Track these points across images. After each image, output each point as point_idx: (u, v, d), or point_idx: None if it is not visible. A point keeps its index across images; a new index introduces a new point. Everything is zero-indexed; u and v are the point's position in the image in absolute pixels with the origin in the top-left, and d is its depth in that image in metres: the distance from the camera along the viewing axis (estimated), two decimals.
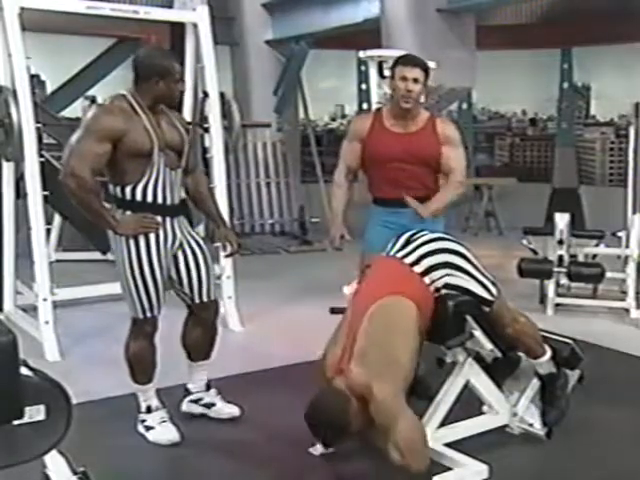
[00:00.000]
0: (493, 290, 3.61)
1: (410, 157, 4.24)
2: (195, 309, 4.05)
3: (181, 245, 3.89)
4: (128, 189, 3.69)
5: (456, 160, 4.34)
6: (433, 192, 4.31)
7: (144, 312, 3.81)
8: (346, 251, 4.56)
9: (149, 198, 3.71)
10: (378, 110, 4.55)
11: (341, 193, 4.51)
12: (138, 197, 3.70)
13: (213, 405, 4.23)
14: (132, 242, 3.69)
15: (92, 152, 3.55)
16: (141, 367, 3.93)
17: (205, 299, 4.02)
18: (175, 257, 3.88)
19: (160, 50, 4.01)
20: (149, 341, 3.91)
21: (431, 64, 7.38)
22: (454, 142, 4.35)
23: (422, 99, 4.37)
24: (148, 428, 3.94)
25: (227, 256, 4.39)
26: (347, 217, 4.50)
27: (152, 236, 3.73)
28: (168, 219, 3.80)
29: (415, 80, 4.19)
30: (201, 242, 4.01)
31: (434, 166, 4.30)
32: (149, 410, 3.97)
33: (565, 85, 14.27)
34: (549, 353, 3.83)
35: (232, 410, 4.23)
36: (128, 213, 3.71)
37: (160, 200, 3.74)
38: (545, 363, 3.83)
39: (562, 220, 6.45)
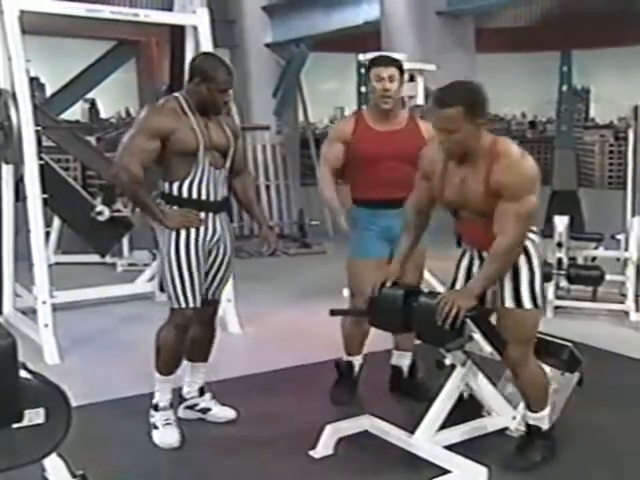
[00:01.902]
0: None
1: (398, 154, 4.24)
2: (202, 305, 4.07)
3: (218, 241, 4.00)
4: (175, 185, 3.85)
5: None
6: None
7: (179, 302, 3.87)
8: (344, 254, 4.55)
9: (194, 194, 3.86)
10: (358, 112, 4.54)
11: (330, 184, 4.43)
12: (184, 193, 3.86)
13: (209, 410, 4.25)
14: (174, 235, 3.83)
15: (142, 148, 3.74)
16: (166, 357, 3.95)
17: (210, 297, 4.09)
18: (210, 252, 3.98)
19: (214, 57, 4.04)
20: (180, 333, 3.94)
21: (430, 67, 7.47)
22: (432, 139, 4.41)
23: (400, 96, 4.44)
24: (154, 426, 3.98)
25: (269, 255, 4.58)
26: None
27: (193, 230, 3.86)
28: (210, 215, 3.94)
29: (391, 78, 4.20)
30: (233, 243, 4.13)
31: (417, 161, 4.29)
32: (156, 408, 3.99)
33: (564, 88, 14.22)
34: (547, 410, 3.70)
35: (228, 414, 4.25)
36: (175, 207, 3.87)
37: (204, 197, 3.89)
38: (536, 419, 3.70)
39: (561, 223, 6.46)
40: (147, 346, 5.02)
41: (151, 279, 7.06)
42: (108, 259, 8.31)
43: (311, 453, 3.77)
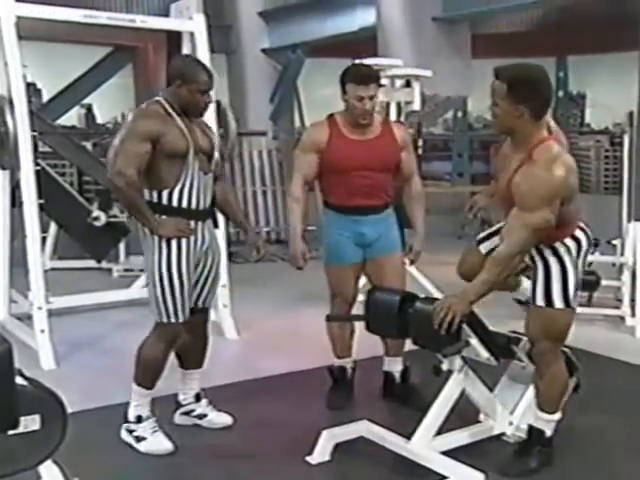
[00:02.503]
0: None
1: (373, 164, 4.23)
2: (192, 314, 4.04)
3: (207, 250, 3.97)
4: (165, 193, 3.78)
5: (413, 164, 4.49)
6: (391, 199, 4.41)
7: (168, 317, 3.82)
8: None
9: (184, 203, 3.80)
10: (331, 116, 4.38)
11: (299, 209, 4.41)
12: (174, 202, 3.79)
13: (205, 416, 4.24)
14: (165, 245, 3.77)
15: (135, 152, 3.68)
16: (150, 371, 3.91)
17: (200, 305, 4.06)
18: (198, 260, 3.94)
19: (193, 60, 4.08)
20: (167, 348, 3.92)
21: (427, 73, 7.49)
22: (410, 146, 4.46)
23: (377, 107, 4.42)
24: (139, 439, 3.90)
25: (256, 261, 4.49)
26: (304, 233, 4.52)
27: (184, 241, 3.80)
28: (200, 223, 3.89)
29: (371, 97, 4.15)
30: (217, 249, 4.09)
31: (394, 171, 4.36)
32: (139, 420, 3.92)
33: (560, 93, 14.29)
34: (557, 416, 3.70)
35: (225, 420, 4.24)
36: (164, 217, 3.78)
37: (194, 205, 3.83)
38: (544, 421, 3.70)
39: None
40: None
41: (147, 285, 7.04)
42: (104, 264, 8.31)
43: (308, 459, 3.77)
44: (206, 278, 4.02)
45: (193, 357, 4.18)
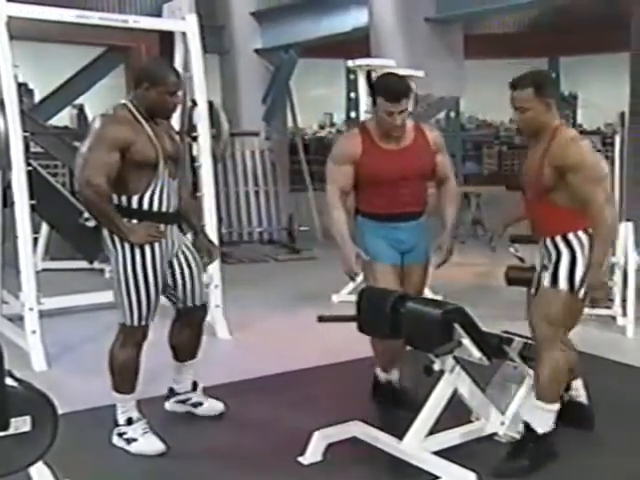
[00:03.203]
0: None
1: (410, 173, 4.14)
2: (185, 312, 4.10)
3: (177, 251, 3.97)
4: (135, 198, 3.75)
5: (448, 166, 4.40)
6: (427, 204, 4.32)
7: (139, 319, 3.82)
8: (333, 260, 4.55)
9: (155, 207, 3.78)
10: (363, 126, 4.27)
11: (341, 215, 4.20)
12: (145, 206, 3.76)
13: (200, 404, 4.31)
14: (137, 250, 3.74)
15: (104, 161, 3.61)
16: (127, 376, 3.90)
17: (197, 303, 4.10)
18: (170, 263, 3.94)
19: (159, 61, 4.08)
20: (137, 350, 3.91)
21: (419, 73, 7.50)
22: (443, 148, 4.35)
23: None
24: (130, 440, 3.90)
25: (204, 265, 4.35)
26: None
27: (156, 245, 3.79)
28: (169, 227, 3.89)
29: (402, 112, 4.02)
30: (192, 248, 4.10)
31: (429, 176, 4.30)
32: (130, 422, 3.92)
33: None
34: (554, 407, 3.70)
35: (218, 407, 4.34)
36: (134, 221, 3.76)
37: (164, 208, 3.82)
38: (540, 411, 3.70)
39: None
40: None
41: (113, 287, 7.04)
42: (96, 265, 8.28)
43: (300, 459, 3.78)
44: (189, 277, 4.02)
45: (189, 350, 4.23)
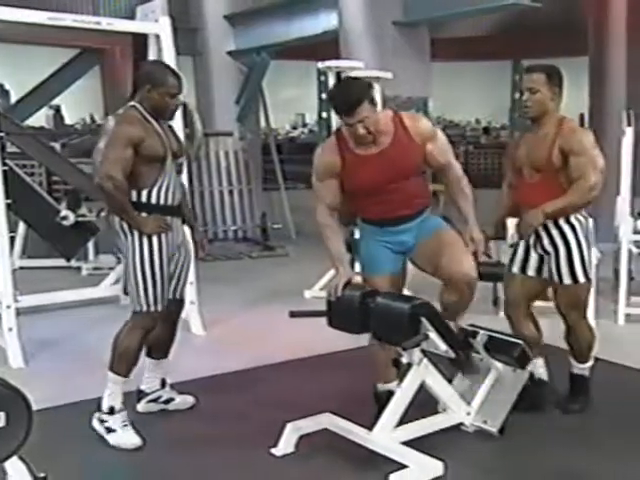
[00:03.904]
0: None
1: (393, 177, 3.86)
2: (167, 304, 4.18)
3: (180, 244, 4.17)
4: (144, 192, 3.95)
5: (445, 152, 4.00)
6: (427, 199, 4.09)
7: (148, 306, 3.97)
8: (306, 256, 4.63)
9: (162, 200, 3.99)
10: (339, 133, 3.97)
11: (334, 232, 4.00)
12: (153, 200, 3.97)
13: (172, 400, 4.41)
14: (146, 240, 3.93)
15: (121, 157, 3.82)
16: (128, 359, 4.02)
17: (178, 296, 4.26)
18: (173, 254, 4.12)
19: (161, 64, 4.23)
20: (143, 336, 4.05)
21: (387, 74, 7.60)
22: (433, 134, 3.95)
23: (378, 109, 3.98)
24: (109, 430, 3.98)
25: (199, 258, 4.65)
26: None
27: (164, 236, 3.98)
28: (174, 219, 4.09)
29: (361, 121, 3.71)
30: (188, 243, 4.29)
31: (421, 170, 4.02)
32: (112, 411, 4.00)
33: (517, 95, 14.40)
34: (590, 363, 4.43)
35: (189, 400, 4.45)
36: (143, 214, 3.94)
37: (170, 202, 4.04)
38: (584, 369, 4.42)
39: (513, 225, 6.59)
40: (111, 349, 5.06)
41: (116, 283, 7.11)
42: (73, 263, 8.34)
43: (273, 451, 3.84)
44: (181, 270, 4.20)
45: (163, 346, 4.33)
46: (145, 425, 4.12)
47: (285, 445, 3.87)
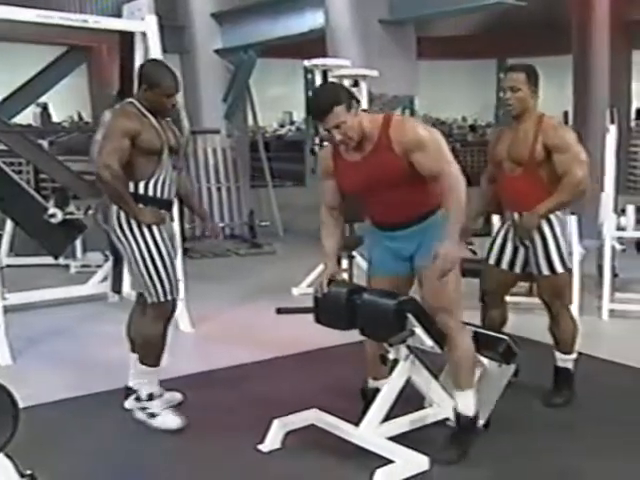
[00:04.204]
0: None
1: (375, 185, 3.70)
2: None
3: (172, 238, 4.28)
4: (141, 184, 4.06)
5: (433, 163, 3.59)
6: (427, 207, 3.77)
7: (164, 294, 4.10)
8: (293, 253, 4.66)
9: (158, 193, 4.10)
10: None
11: (329, 230, 3.96)
12: (150, 192, 4.07)
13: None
14: (148, 232, 4.04)
15: (118, 147, 3.94)
16: (152, 349, 4.15)
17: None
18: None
19: (159, 65, 4.28)
20: (165, 324, 4.17)
21: (374, 73, 7.64)
22: (421, 144, 3.59)
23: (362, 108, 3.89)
24: (152, 415, 4.16)
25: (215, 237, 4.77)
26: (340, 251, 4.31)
27: (162, 227, 4.11)
28: (168, 213, 4.21)
29: (338, 125, 3.57)
30: (177, 238, 4.44)
31: (417, 178, 3.66)
32: (151, 397, 4.17)
33: (502, 93, 14.47)
34: (574, 355, 4.52)
35: (176, 397, 4.49)
36: (140, 206, 4.04)
37: (166, 195, 4.15)
38: (568, 361, 4.53)
39: (498, 222, 6.65)
40: (99, 346, 5.12)
41: (103, 280, 7.12)
42: (61, 261, 8.33)
43: (260, 447, 3.86)
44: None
45: None
46: (130, 422, 4.17)
47: (272, 441, 3.89)
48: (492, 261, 4.57)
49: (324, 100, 3.62)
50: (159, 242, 4.07)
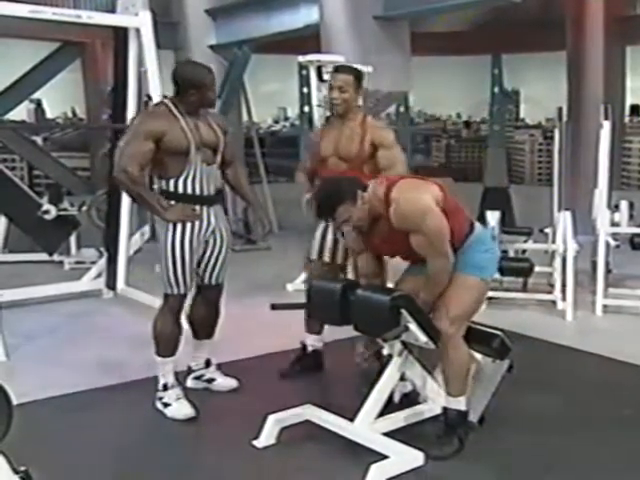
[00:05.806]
0: None
1: (397, 253, 3.95)
2: (203, 289, 4.55)
3: (213, 232, 4.37)
4: (171, 182, 4.19)
5: (423, 249, 3.68)
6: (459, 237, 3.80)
7: (171, 288, 4.26)
8: (288, 249, 4.67)
9: (189, 190, 4.21)
10: None
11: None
12: (180, 189, 4.20)
13: (214, 380, 4.68)
14: (171, 228, 4.18)
15: (139, 151, 4.07)
16: (164, 340, 4.33)
17: (213, 282, 4.54)
18: (206, 242, 4.37)
19: (194, 64, 4.45)
20: (174, 317, 4.34)
21: (368, 69, 7.63)
22: (417, 228, 3.62)
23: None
24: (166, 405, 4.29)
25: (264, 235, 5.04)
26: None
27: (189, 224, 4.22)
28: (205, 208, 4.29)
29: (345, 221, 3.76)
30: (228, 231, 4.50)
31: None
32: (165, 388, 4.32)
33: (496, 89, 14.58)
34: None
35: (231, 383, 4.70)
36: (172, 202, 4.19)
37: (198, 191, 4.24)
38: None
39: (493, 218, 6.70)
40: (93, 343, 5.12)
41: (98, 276, 7.11)
42: (55, 257, 8.32)
43: (255, 443, 3.87)
44: (215, 257, 4.45)
45: (205, 327, 4.65)
46: (124, 419, 4.21)
47: (267, 437, 3.89)
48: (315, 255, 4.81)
49: (326, 202, 3.75)
50: (177, 239, 4.18)
